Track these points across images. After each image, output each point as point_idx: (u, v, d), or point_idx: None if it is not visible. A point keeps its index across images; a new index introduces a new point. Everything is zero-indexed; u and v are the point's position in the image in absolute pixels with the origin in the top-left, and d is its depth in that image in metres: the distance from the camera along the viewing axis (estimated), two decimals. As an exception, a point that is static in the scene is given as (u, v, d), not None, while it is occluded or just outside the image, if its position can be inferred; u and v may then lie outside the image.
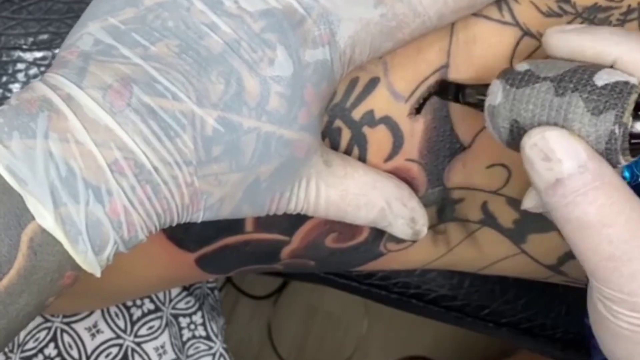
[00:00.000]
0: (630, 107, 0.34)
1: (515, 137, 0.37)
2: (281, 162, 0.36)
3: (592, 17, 0.43)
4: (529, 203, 0.41)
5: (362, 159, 0.43)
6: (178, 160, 0.34)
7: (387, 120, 0.43)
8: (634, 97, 0.34)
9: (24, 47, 0.51)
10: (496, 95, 0.37)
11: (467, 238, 0.49)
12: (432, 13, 0.38)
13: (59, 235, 0.32)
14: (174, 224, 0.36)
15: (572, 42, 0.37)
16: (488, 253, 0.50)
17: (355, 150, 0.43)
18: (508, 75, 0.37)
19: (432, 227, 0.47)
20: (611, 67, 0.35)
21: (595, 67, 0.35)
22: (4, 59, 0.51)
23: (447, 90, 0.42)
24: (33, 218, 0.32)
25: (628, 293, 0.34)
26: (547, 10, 0.42)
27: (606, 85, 0.34)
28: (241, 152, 0.35)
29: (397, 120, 0.43)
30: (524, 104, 0.36)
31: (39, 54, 0.51)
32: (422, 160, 0.44)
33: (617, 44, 0.35)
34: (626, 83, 0.34)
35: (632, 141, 0.34)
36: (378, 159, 0.44)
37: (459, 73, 0.42)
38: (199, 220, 0.37)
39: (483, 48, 0.42)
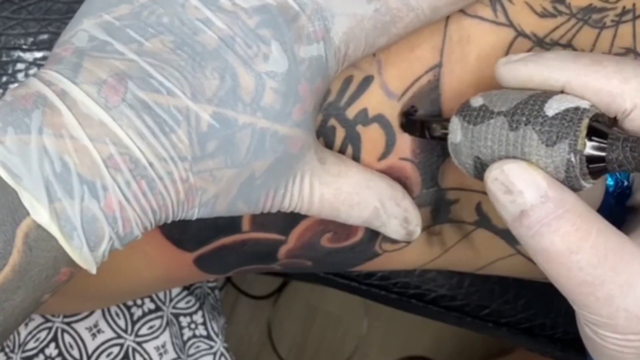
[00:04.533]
0: (582, 133, 0.34)
1: (480, 171, 0.37)
2: (276, 157, 0.36)
3: (586, 18, 0.43)
4: None
5: (356, 157, 0.43)
6: (173, 155, 0.34)
7: (381, 119, 0.43)
8: (585, 122, 0.34)
9: (24, 47, 0.51)
10: (456, 133, 0.38)
11: (463, 239, 0.49)
12: (426, 6, 0.38)
13: (54, 231, 0.32)
14: (169, 221, 0.36)
15: (520, 72, 0.37)
16: (484, 254, 0.50)
17: (349, 149, 0.43)
18: (465, 111, 0.38)
19: (427, 228, 0.48)
20: (562, 92, 0.35)
21: (546, 95, 0.35)
22: (4, 59, 0.51)
23: (414, 126, 0.43)
24: (28, 213, 0.31)
25: (607, 316, 0.34)
26: (542, 11, 0.42)
27: (557, 114, 0.34)
28: (236, 148, 0.35)
29: (390, 119, 0.43)
30: (482, 141, 0.36)
31: (39, 54, 0.51)
32: (416, 160, 0.44)
33: (562, 69, 0.35)
34: (576, 109, 0.34)
35: (590, 166, 0.34)
36: (372, 158, 0.44)
37: (453, 73, 0.42)
38: (194, 217, 0.37)
39: (477, 48, 0.42)
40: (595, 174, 0.35)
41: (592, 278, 0.34)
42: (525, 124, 0.35)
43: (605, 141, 0.34)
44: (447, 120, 0.39)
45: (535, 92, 0.36)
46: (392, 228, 0.43)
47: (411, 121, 0.43)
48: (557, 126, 0.34)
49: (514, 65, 0.37)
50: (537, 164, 0.35)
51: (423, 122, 0.42)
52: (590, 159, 0.34)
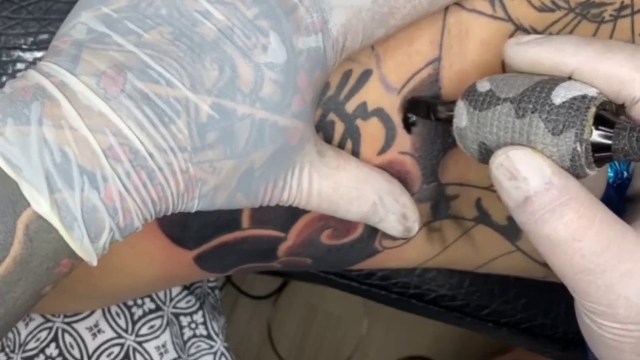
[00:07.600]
0: (589, 122, 0.34)
1: (485, 157, 0.37)
2: (275, 149, 0.36)
3: (585, 13, 0.43)
4: None
5: (356, 152, 0.44)
6: (173, 146, 0.33)
7: (380, 113, 0.43)
8: (592, 111, 0.34)
9: (24, 47, 0.51)
10: (461, 117, 0.38)
11: (463, 236, 0.49)
12: None
13: (55, 222, 0.32)
14: (169, 213, 0.36)
15: (530, 53, 0.37)
16: (484, 251, 0.50)
17: (349, 144, 0.43)
18: (470, 96, 0.37)
19: (426, 224, 0.48)
20: (570, 78, 0.35)
21: (554, 82, 0.35)
22: (4, 58, 0.51)
23: (418, 107, 0.43)
24: (28, 204, 0.31)
25: (607, 305, 0.34)
26: (540, 5, 0.42)
27: (564, 103, 0.34)
28: (235, 139, 0.35)
29: (390, 113, 0.43)
30: (487, 127, 0.36)
31: (39, 54, 0.51)
32: (416, 154, 0.44)
33: (574, 53, 0.35)
34: (584, 97, 0.34)
35: (596, 154, 0.34)
36: (371, 152, 0.44)
37: (452, 67, 0.43)
38: (194, 209, 0.37)
39: (475, 42, 0.42)
40: (600, 162, 0.35)
41: (594, 266, 0.34)
42: (532, 112, 0.35)
43: (611, 130, 0.34)
44: (453, 102, 0.39)
45: (543, 78, 0.36)
46: (390, 224, 0.43)
47: (416, 102, 0.43)
48: (564, 115, 0.34)
49: (524, 47, 0.37)
50: (542, 151, 0.35)
51: (429, 104, 0.42)
52: (596, 148, 0.34)
